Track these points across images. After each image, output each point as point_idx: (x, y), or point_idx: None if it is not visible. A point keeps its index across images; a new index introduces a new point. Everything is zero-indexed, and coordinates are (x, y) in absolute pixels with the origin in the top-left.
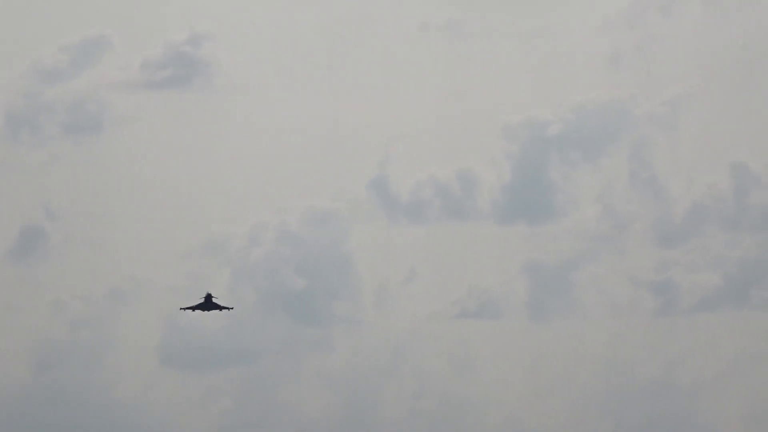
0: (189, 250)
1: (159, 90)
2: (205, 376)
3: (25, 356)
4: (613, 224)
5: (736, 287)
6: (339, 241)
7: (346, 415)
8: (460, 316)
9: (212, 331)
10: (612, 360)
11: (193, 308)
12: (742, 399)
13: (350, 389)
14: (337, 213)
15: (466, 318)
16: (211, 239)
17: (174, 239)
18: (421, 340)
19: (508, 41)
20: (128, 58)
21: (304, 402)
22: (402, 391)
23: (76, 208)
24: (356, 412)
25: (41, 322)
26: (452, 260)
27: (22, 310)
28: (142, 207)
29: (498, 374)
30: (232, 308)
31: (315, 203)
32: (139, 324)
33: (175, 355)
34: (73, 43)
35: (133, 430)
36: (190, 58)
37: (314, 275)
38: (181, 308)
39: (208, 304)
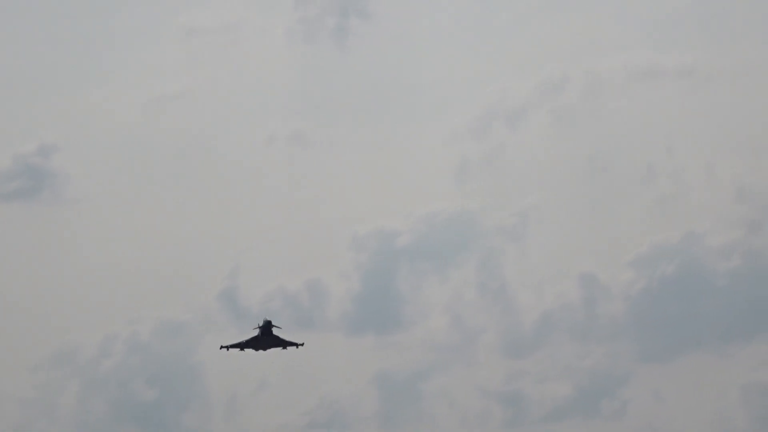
0: (39, 362)
1: (7, 201)
2: None
3: None
4: (462, 335)
5: (586, 397)
6: (189, 352)
7: None
8: (310, 426)
9: None
10: None
11: (242, 346)
12: None
13: None
14: (187, 324)
15: (316, 429)
16: (61, 351)
17: (23, 351)
18: None
19: (356, 152)
20: None
21: None
22: None
23: None
24: None
25: None
26: (302, 371)
27: None
28: None
29: None
30: (302, 344)
31: (166, 314)
32: None
33: None
34: None
35: None
36: (38, 170)
37: (165, 387)
38: (222, 346)
39: (265, 338)
